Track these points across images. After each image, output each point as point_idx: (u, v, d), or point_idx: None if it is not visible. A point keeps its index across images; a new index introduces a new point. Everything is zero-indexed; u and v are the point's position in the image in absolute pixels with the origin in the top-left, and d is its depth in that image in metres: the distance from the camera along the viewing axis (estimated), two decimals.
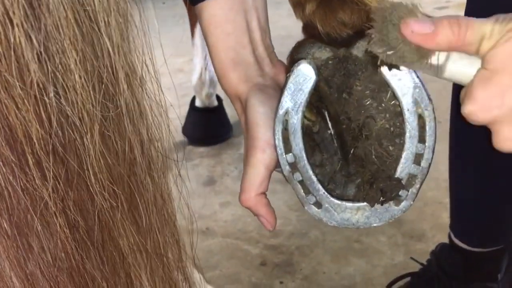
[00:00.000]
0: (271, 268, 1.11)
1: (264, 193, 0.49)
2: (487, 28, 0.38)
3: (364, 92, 0.47)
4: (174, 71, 2.11)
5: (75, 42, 0.30)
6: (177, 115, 1.72)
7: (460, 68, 0.40)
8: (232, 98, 0.51)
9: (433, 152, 0.46)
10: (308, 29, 0.49)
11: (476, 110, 0.38)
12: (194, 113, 1.61)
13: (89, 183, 0.31)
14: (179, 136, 1.61)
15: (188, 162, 1.53)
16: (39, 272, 0.34)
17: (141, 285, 0.38)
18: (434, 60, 0.40)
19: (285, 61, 0.54)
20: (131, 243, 0.36)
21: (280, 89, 0.49)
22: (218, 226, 1.26)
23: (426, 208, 1.21)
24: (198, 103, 1.60)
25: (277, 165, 0.48)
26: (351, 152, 0.48)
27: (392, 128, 0.48)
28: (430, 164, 0.46)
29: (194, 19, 1.55)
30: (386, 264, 1.08)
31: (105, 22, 0.32)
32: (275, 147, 0.47)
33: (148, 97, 0.38)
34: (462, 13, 0.76)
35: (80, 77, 0.31)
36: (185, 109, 1.63)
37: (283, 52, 0.54)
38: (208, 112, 1.60)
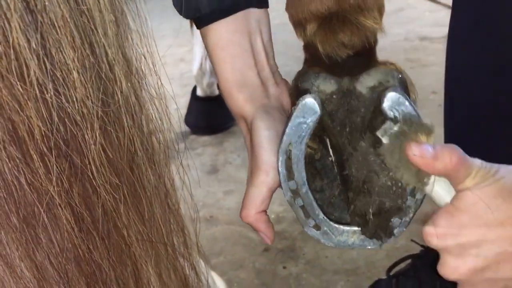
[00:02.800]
0: (274, 253, 1.13)
1: (264, 211, 0.52)
2: (473, 169, 0.42)
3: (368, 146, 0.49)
4: (176, 61, 2.11)
5: (72, 41, 0.31)
6: (180, 105, 1.73)
7: (441, 193, 0.45)
8: (238, 118, 0.54)
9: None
10: (309, 49, 0.51)
11: (433, 234, 0.43)
12: (196, 103, 1.62)
13: (91, 177, 0.32)
14: (182, 126, 1.62)
15: (191, 151, 1.55)
16: (47, 262, 0.35)
17: (147, 273, 0.40)
18: (429, 181, 0.45)
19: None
20: (135, 233, 0.37)
21: (284, 110, 0.51)
22: (222, 213, 1.27)
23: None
24: (199, 92, 1.61)
25: (280, 186, 0.51)
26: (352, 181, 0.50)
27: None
28: (423, 198, 0.50)
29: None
30: (388, 247, 1.10)
31: (100, 19, 0.33)
32: (278, 173, 0.49)
33: (148, 89, 0.39)
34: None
35: (78, 74, 0.32)
36: (187, 98, 1.64)
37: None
38: (210, 101, 1.60)
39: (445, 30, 0.80)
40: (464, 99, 0.78)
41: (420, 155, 0.42)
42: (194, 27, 1.62)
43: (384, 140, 0.44)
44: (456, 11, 0.74)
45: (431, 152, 0.42)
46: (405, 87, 0.49)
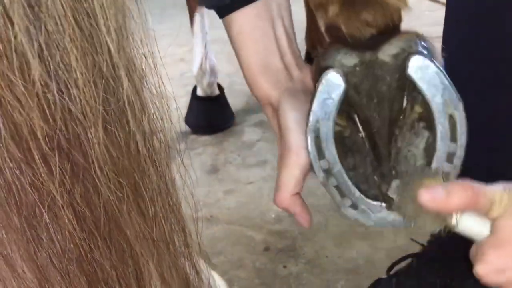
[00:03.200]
0: (274, 253, 1.13)
1: (299, 193, 0.51)
2: (497, 195, 0.42)
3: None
4: (176, 60, 2.11)
5: (74, 39, 0.31)
6: (180, 105, 1.73)
7: (472, 226, 0.44)
8: (263, 103, 0.54)
9: (465, 149, 0.48)
10: (332, 31, 0.50)
11: (489, 272, 0.42)
12: (196, 102, 1.62)
13: (94, 176, 0.32)
14: (182, 126, 1.62)
15: (191, 151, 1.54)
16: (49, 263, 0.35)
17: (149, 272, 0.39)
18: (452, 220, 0.44)
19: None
20: (137, 232, 0.37)
21: (309, 92, 0.50)
22: (222, 213, 1.27)
23: None
24: (199, 92, 1.61)
25: (312, 168, 0.50)
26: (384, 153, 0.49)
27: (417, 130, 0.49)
28: (462, 162, 0.48)
29: (193, 6, 1.55)
30: (388, 246, 1.10)
31: (103, 17, 0.33)
32: (308, 154, 0.48)
33: (149, 89, 0.39)
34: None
35: (81, 73, 0.32)
36: (188, 98, 1.64)
37: None
38: (210, 101, 1.60)
39: None
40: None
41: (432, 199, 0.41)
42: (194, 26, 1.62)
43: (394, 197, 0.44)
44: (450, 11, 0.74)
45: (442, 193, 0.41)
46: (431, 52, 0.47)
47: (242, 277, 1.08)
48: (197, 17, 1.55)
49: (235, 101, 1.67)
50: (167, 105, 0.41)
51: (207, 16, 1.55)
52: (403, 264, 0.96)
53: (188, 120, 1.63)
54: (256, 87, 0.52)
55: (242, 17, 0.51)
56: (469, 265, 0.88)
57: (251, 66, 0.52)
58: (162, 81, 0.41)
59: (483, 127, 0.77)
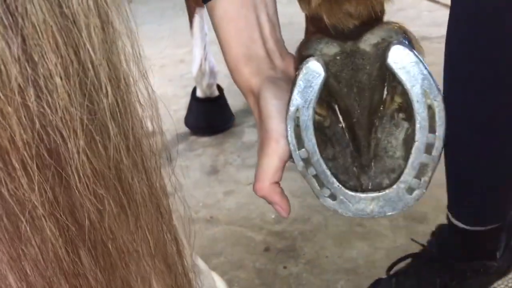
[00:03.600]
0: (274, 253, 1.12)
1: (278, 182, 0.50)
2: None
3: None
4: (176, 62, 2.10)
5: (54, 45, 0.30)
6: (180, 106, 1.73)
7: None
8: (245, 91, 0.52)
9: (443, 141, 0.46)
10: (315, 22, 0.49)
11: None
12: (195, 104, 1.61)
13: (75, 187, 0.31)
14: (182, 127, 1.61)
15: (191, 152, 1.54)
16: (34, 274, 0.34)
17: (138, 285, 0.39)
18: None
19: (289, 49, 0.54)
20: (121, 244, 0.36)
21: (291, 81, 0.49)
22: (222, 214, 1.27)
23: (428, 191, 1.21)
24: (199, 94, 1.60)
25: (291, 157, 0.49)
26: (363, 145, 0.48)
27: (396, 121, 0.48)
28: (441, 153, 0.46)
29: (192, 8, 1.55)
30: (388, 246, 1.09)
31: (85, 23, 0.32)
32: (288, 142, 0.47)
33: (137, 95, 0.38)
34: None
35: (61, 80, 0.31)
36: (187, 99, 1.64)
37: (284, 39, 0.55)
38: (210, 102, 1.60)
39: (443, 30, 0.78)
40: (459, 99, 0.77)
41: None
42: (193, 28, 1.61)
43: None
44: (455, 10, 0.73)
45: None
46: (411, 43, 0.46)
47: (242, 277, 1.07)
48: (196, 19, 1.54)
49: (234, 102, 1.66)
50: (157, 111, 0.40)
51: (206, 18, 1.54)
52: (402, 264, 0.95)
53: (188, 121, 1.62)
54: (238, 74, 0.52)
55: (226, 2, 0.50)
56: (468, 265, 0.88)
57: (232, 53, 0.51)
58: (152, 88, 0.40)
59: (483, 127, 0.76)
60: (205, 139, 1.59)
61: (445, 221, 0.92)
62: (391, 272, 0.95)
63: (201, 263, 0.73)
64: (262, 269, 1.08)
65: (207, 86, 1.56)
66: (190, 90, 1.64)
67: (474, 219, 0.85)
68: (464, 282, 0.88)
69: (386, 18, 0.51)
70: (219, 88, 1.61)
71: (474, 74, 0.76)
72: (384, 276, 0.95)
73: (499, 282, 0.91)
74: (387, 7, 0.49)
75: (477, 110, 0.77)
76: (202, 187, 1.37)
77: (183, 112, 1.64)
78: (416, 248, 0.96)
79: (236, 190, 1.35)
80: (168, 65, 2.08)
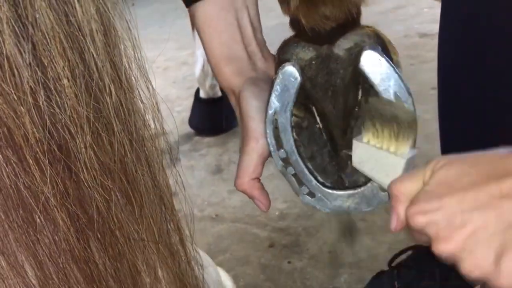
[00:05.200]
0: (279, 249, 1.14)
1: (257, 178, 0.53)
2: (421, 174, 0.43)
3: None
4: (179, 64, 2.13)
5: (61, 50, 0.33)
6: (183, 107, 1.76)
7: None
8: (227, 91, 0.55)
9: (415, 141, 0.48)
10: (294, 24, 0.52)
11: (417, 212, 0.42)
12: (199, 105, 1.64)
13: (84, 179, 0.34)
14: (186, 128, 1.64)
15: (195, 152, 1.57)
16: (48, 262, 0.37)
17: (143, 271, 0.41)
18: None
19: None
20: (129, 232, 0.39)
21: (271, 82, 0.52)
22: (227, 212, 1.29)
23: None
24: (202, 94, 1.63)
25: (271, 155, 0.52)
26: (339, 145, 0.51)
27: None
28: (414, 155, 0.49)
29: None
30: (390, 240, 1.11)
31: (89, 30, 0.35)
32: (267, 143, 0.50)
33: (139, 95, 0.41)
34: None
35: (68, 82, 0.34)
36: (191, 101, 1.66)
37: (276, 40, 0.57)
38: (213, 103, 1.62)
39: None
40: (455, 96, 0.79)
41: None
42: (195, 31, 1.64)
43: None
44: (447, 10, 0.75)
45: (394, 223, 0.44)
46: (383, 47, 0.49)
47: (248, 273, 1.09)
48: None
49: None
50: (159, 112, 0.43)
51: None
52: (403, 256, 0.97)
53: (191, 122, 1.65)
54: (220, 75, 0.54)
55: (207, 7, 0.52)
56: None
57: (215, 55, 0.53)
58: (153, 87, 0.42)
59: (479, 123, 0.78)
60: (209, 139, 1.62)
61: None
62: (393, 265, 0.97)
63: (207, 259, 0.76)
64: (267, 265, 1.11)
65: (210, 87, 1.59)
66: (193, 91, 1.67)
67: None
68: None
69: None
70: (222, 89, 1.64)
71: (467, 72, 0.77)
72: (386, 269, 0.97)
73: None
74: (363, 8, 0.52)
75: (472, 107, 0.79)
76: (207, 186, 1.40)
77: (186, 113, 1.67)
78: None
79: None
80: (171, 67, 2.11)
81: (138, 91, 0.40)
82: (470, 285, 0.96)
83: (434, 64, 0.79)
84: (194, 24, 0.55)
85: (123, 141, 0.36)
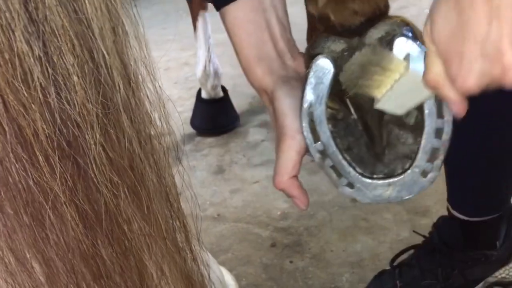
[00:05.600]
0: (281, 249, 1.15)
1: (296, 176, 0.53)
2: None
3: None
4: (180, 65, 2.14)
5: (72, 47, 0.34)
6: (185, 108, 1.76)
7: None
8: (259, 91, 0.55)
9: (452, 125, 0.49)
10: (323, 21, 0.52)
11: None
12: (201, 105, 1.64)
13: (93, 175, 0.35)
14: (188, 128, 1.64)
15: (197, 153, 1.57)
16: (56, 258, 0.37)
17: (150, 267, 0.42)
18: None
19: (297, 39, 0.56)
20: (136, 228, 0.39)
21: (302, 80, 0.52)
22: (229, 212, 1.30)
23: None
24: (204, 95, 1.63)
25: (308, 151, 0.52)
26: (375, 134, 0.51)
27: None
28: (450, 137, 0.50)
29: (195, 12, 1.58)
30: (392, 240, 1.11)
31: (98, 27, 0.35)
32: (304, 137, 0.50)
33: (146, 92, 0.41)
34: None
35: (78, 79, 0.34)
36: (193, 101, 1.67)
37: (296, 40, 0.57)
38: (215, 103, 1.63)
39: None
40: None
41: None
42: (197, 31, 1.65)
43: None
44: None
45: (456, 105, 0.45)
46: (414, 36, 0.49)
47: (249, 272, 1.10)
48: (199, 22, 1.57)
49: (239, 103, 1.69)
50: (165, 108, 0.43)
51: (210, 20, 1.57)
52: (405, 255, 0.98)
53: (193, 122, 1.65)
54: (251, 76, 0.54)
55: (236, 9, 0.53)
56: (469, 255, 0.90)
57: (245, 56, 0.54)
58: (159, 85, 0.43)
59: (481, 118, 0.78)
60: (211, 140, 1.62)
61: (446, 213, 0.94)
62: (394, 264, 0.97)
63: (210, 258, 0.76)
64: (269, 264, 1.11)
65: (211, 88, 1.59)
66: (195, 92, 1.68)
67: (472, 210, 0.88)
68: (465, 271, 0.90)
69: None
70: (224, 89, 1.64)
71: None
72: (387, 268, 0.98)
73: (500, 271, 0.93)
74: (391, 3, 0.52)
75: (475, 103, 0.79)
76: (209, 186, 1.40)
77: (188, 114, 1.67)
78: (418, 240, 0.98)
79: (242, 188, 1.38)
80: (173, 68, 2.12)
81: (145, 89, 0.41)
82: (471, 284, 0.97)
83: None
84: (224, 25, 0.56)
85: (131, 138, 0.36)
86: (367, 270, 1.04)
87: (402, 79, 0.46)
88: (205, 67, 1.57)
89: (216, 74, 1.58)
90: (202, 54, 1.58)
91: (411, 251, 0.97)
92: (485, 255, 0.90)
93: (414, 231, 1.00)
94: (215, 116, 1.63)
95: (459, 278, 0.90)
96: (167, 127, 0.43)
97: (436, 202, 1.16)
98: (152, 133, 0.40)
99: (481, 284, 0.92)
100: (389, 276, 0.95)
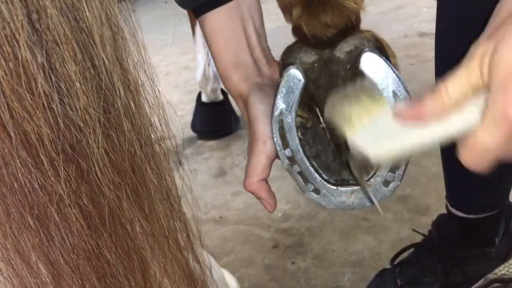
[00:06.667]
0: (283, 250, 1.16)
1: (265, 180, 0.55)
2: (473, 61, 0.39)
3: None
4: (180, 69, 2.15)
5: (73, 55, 0.35)
6: (186, 112, 1.77)
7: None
8: (235, 97, 0.57)
9: None
10: (296, 32, 0.54)
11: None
12: (201, 108, 1.65)
13: (96, 177, 0.36)
14: (189, 132, 1.65)
15: (198, 156, 1.58)
16: (61, 259, 0.39)
17: (153, 266, 0.43)
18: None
19: (279, 55, 0.58)
20: (139, 228, 0.40)
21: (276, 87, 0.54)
22: (231, 214, 1.31)
23: (430, 184, 1.25)
24: (204, 99, 1.64)
25: (277, 156, 0.54)
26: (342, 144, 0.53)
27: None
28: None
29: (193, 17, 1.59)
30: (393, 239, 1.12)
31: (98, 35, 0.36)
32: (274, 143, 0.53)
33: (146, 97, 0.42)
34: None
35: (80, 85, 0.35)
36: (193, 105, 1.68)
37: (273, 43, 0.59)
38: (215, 107, 1.64)
39: None
40: None
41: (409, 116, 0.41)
42: (196, 35, 1.66)
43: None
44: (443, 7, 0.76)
45: (416, 108, 0.41)
46: (382, 50, 0.52)
47: (252, 274, 1.11)
48: (198, 26, 1.58)
49: None
50: (164, 111, 0.44)
51: None
52: (406, 254, 0.99)
53: (194, 126, 1.66)
54: (228, 82, 0.56)
55: (215, 17, 0.55)
56: (468, 252, 0.91)
57: (223, 62, 0.56)
58: (159, 90, 0.44)
59: None
60: (211, 143, 1.63)
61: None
62: (395, 262, 0.98)
63: (212, 260, 0.77)
64: (271, 265, 1.12)
65: (211, 91, 1.60)
66: (195, 96, 1.69)
67: (471, 207, 0.89)
68: (464, 268, 0.91)
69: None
70: (224, 92, 1.66)
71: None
72: (388, 266, 0.99)
73: (500, 268, 0.94)
74: (362, 14, 0.54)
75: None
76: (210, 189, 1.41)
77: (189, 118, 1.68)
78: (419, 239, 0.99)
79: (243, 191, 1.37)
80: (172, 72, 2.13)
81: (144, 94, 0.42)
82: (471, 281, 0.97)
83: (433, 63, 0.80)
84: (202, 33, 0.57)
85: (132, 140, 0.38)
86: (368, 269, 1.05)
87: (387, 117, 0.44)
88: (204, 70, 1.59)
89: (216, 77, 1.60)
90: (202, 58, 1.59)
91: (411, 250, 0.98)
92: (484, 252, 0.90)
93: (414, 229, 1.01)
94: (215, 119, 1.64)
95: (459, 275, 0.91)
96: (167, 130, 0.44)
97: (437, 201, 1.16)
98: (152, 136, 0.41)
99: (481, 281, 0.93)
100: (390, 275, 0.96)
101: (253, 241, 1.20)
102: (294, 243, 1.17)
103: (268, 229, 1.23)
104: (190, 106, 1.74)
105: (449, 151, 0.87)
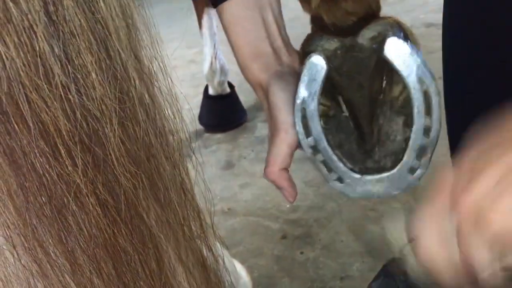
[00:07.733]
0: (291, 240, 1.16)
1: (286, 169, 0.55)
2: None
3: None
4: (187, 62, 2.16)
5: (89, 46, 0.35)
6: (193, 105, 1.78)
7: None
8: (255, 86, 0.57)
9: (440, 123, 0.50)
10: (316, 20, 0.54)
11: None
12: (208, 102, 1.66)
13: (113, 167, 0.36)
14: (196, 125, 1.66)
15: (206, 149, 1.59)
16: (78, 247, 0.39)
17: (168, 254, 0.43)
18: None
19: (295, 44, 0.58)
20: (155, 216, 0.41)
21: (297, 75, 0.54)
22: (239, 206, 1.31)
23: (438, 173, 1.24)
24: (211, 91, 1.65)
25: (300, 145, 0.54)
26: (365, 132, 0.53)
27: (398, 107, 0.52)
28: (438, 135, 0.51)
29: (200, 10, 1.59)
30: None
31: (113, 26, 0.37)
32: (296, 132, 0.52)
33: (159, 87, 0.43)
34: None
35: (96, 75, 0.36)
36: (200, 98, 1.69)
37: (291, 34, 0.59)
38: (222, 99, 1.64)
39: None
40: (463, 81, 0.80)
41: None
42: (203, 28, 1.66)
43: None
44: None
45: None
46: (405, 36, 0.51)
47: (261, 264, 1.12)
48: (205, 19, 1.59)
49: (246, 98, 1.70)
50: (177, 102, 0.45)
51: (215, 17, 1.59)
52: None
53: (201, 119, 1.67)
54: (248, 71, 0.56)
55: (233, 6, 0.54)
56: None
57: (242, 52, 0.55)
58: (171, 80, 0.44)
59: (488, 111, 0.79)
60: (219, 136, 1.64)
61: None
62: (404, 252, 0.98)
63: (223, 250, 0.78)
64: (280, 256, 1.13)
65: (218, 84, 1.61)
66: (202, 89, 1.69)
67: None
68: None
69: (394, 6, 0.55)
70: (230, 85, 1.66)
71: (475, 60, 0.78)
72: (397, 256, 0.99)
73: None
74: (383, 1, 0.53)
75: (481, 96, 0.80)
76: (219, 182, 1.42)
77: (196, 111, 1.69)
78: None
79: (252, 183, 1.39)
80: (179, 66, 2.14)
81: (158, 84, 0.43)
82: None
83: (440, 54, 0.80)
84: (221, 23, 0.57)
85: (148, 130, 0.38)
86: (377, 259, 1.06)
87: None
88: (211, 63, 1.59)
89: (223, 70, 1.60)
90: (208, 51, 1.60)
91: None
92: None
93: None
94: (222, 112, 1.64)
95: None
96: (179, 120, 0.45)
97: None
98: (165, 124, 0.41)
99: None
100: (398, 264, 0.96)
101: (262, 232, 1.21)
102: (303, 234, 1.18)
103: (276, 220, 1.24)
104: (197, 100, 1.75)
105: (456, 144, 0.87)
